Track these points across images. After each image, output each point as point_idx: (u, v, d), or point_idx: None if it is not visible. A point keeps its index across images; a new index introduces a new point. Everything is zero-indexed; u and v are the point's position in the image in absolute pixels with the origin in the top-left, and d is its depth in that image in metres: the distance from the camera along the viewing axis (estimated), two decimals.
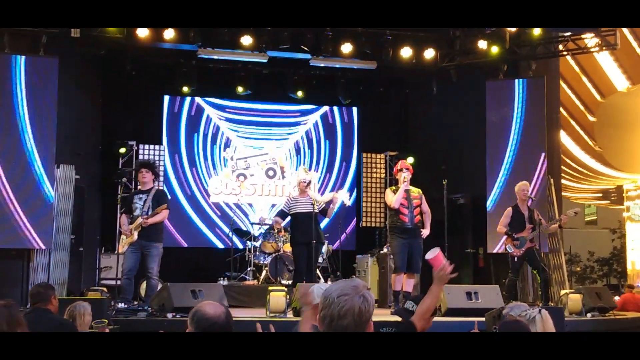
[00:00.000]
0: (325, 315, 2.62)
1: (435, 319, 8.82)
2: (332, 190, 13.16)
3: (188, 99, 14.03)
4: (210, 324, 3.11)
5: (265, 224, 12.57)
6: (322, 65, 13.03)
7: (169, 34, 11.43)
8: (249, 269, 12.41)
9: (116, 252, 8.97)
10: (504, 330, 4.27)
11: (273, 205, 14.03)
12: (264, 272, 12.00)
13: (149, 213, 8.88)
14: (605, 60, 12.55)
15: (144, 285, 9.79)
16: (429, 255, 3.98)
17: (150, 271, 8.92)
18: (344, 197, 10.25)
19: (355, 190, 14.70)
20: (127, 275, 8.89)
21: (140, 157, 13.34)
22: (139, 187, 9.30)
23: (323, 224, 11.31)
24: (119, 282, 10.20)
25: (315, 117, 14.73)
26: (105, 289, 9.18)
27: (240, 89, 13.71)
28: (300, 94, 13.99)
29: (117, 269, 9.46)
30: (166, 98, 14.01)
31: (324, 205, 9.93)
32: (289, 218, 10.14)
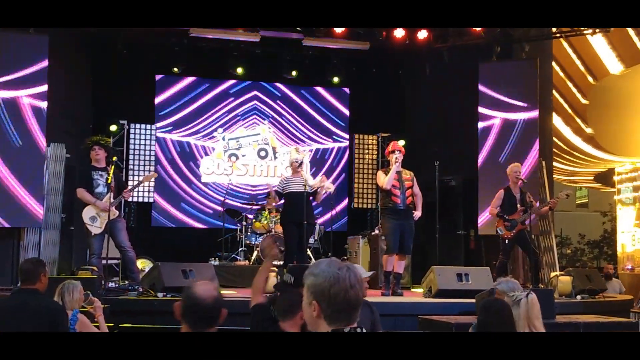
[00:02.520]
0: (339, 289, 2.61)
1: (426, 300, 8.93)
2: (322, 173, 13.13)
3: (180, 77, 13.94)
4: (194, 304, 3.12)
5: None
6: (314, 45, 12.97)
7: None
8: (240, 249, 12.42)
9: (97, 233, 8.93)
10: (485, 307, 4.28)
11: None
12: (255, 253, 12.01)
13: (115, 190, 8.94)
14: (598, 43, 12.52)
15: None
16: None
17: (123, 246, 8.94)
18: (328, 185, 10.21)
19: (347, 172, 14.71)
20: (98, 254, 8.98)
21: (132, 136, 13.31)
22: (92, 163, 9.15)
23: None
24: (109, 261, 10.22)
25: (307, 97, 14.69)
26: (95, 268, 9.14)
27: (240, 71, 13.65)
28: (292, 74, 13.93)
29: (107, 248, 9.44)
30: (158, 77, 13.93)
31: (315, 188, 9.93)
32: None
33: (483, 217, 11.35)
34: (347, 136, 14.77)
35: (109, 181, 8.88)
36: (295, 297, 4.25)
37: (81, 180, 9.26)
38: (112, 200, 8.81)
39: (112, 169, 9.04)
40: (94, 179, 8.98)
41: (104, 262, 10.13)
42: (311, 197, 9.87)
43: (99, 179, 8.96)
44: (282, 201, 10.19)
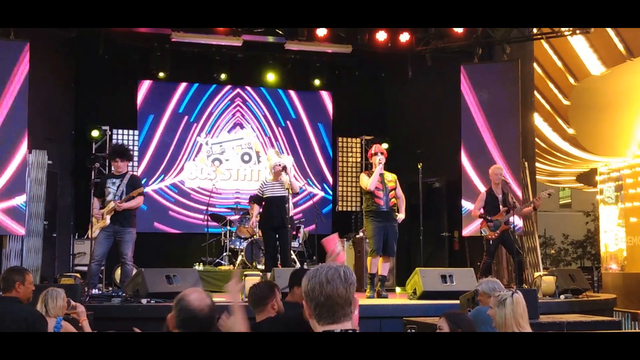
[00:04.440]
0: (315, 283, 2.67)
1: (411, 302, 8.95)
2: (307, 176, 13.19)
3: (162, 82, 13.88)
4: (191, 316, 3.08)
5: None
6: (297, 49, 12.98)
7: None
8: (224, 253, 12.39)
9: (86, 237, 8.93)
10: (455, 323, 4.35)
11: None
12: (239, 257, 11.99)
13: (122, 198, 8.87)
14: (579, 44, 12.59)
15: (118, 271, 9.74)
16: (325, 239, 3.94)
17: (124, 257, 8.91)
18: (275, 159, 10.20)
19: (331, 175, 14.71)
20: (98, 260, 8.90)
21: (114, 141, 13.22)
22: (112, 171, 9.24)
23: (299, 209, 11.30)
24: None
25: (290, 100, 14.67)
26: (79, 274, 9.10)
27: (223, 76, 13.65)
28: (275, 78, 13.94)
29: (90, 254, 9.40)
30: (140, 82, 13.86)
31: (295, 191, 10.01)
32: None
33: (471, 227, 11.32)
34: (330, 138, 14.77)
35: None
36: (265, 289, 4.29)
37: (96, 189, 9.43)
38: (109, 208, 8.80)
39: (128, 176, 9.11)
40: (107, 187, 9.06)
41: (86, 268, 10.09)
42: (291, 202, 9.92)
43: (111, 187, 9.02)
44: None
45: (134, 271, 8.90)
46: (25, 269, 5.59)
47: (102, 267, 10.23)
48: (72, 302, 5.95)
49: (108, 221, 8.82)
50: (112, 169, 9.35)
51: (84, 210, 12.42)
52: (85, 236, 8.98)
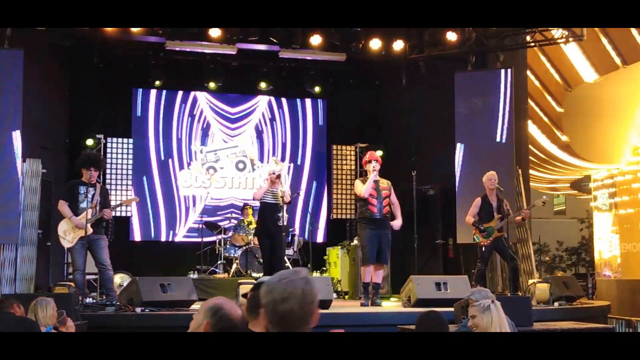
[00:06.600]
0: (269, 301, 2.56)
1: (406, 309, 8.95)
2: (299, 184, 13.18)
3: (157, 91, 13.88)
4: (231, 325, 3.10)
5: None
6: (291, 57, 13.00)
7: None
8: (219, 262, 12.38)
9: (71, 249, 8.95)
10: (422, 322, 4.41)
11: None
12: (234, 265, 11.99)
13: (98, 208, 8.89)
14: (572, 52, 12.65)
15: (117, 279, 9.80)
16: None
17: (104, 263, 8.89)
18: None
19: (326, 182, 14.72)
20: (82, 270, 8.90)
21: (109, 151, 13.21)
22: (83, 178, 9.13)
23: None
24: (87, 276, 10.14)
25: (285, 108, 14.69)
26: (72, 284, 9.07)
27: (212, 85, 13.66)
28: (269, 86, 13.96)
29: (85, 264, 9.37)
30: (134, 90, 13.86)
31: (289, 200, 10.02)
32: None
33: (465, 230, 11.31)
34: (325, 146, 14.79)
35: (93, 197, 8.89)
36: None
37: (66, 193, 9.22)
38: (89, 217, 8.74)
39: (99, 187, 9.05)
40: (80, 193, 8.94)
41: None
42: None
43: (88, 195, 8.91)
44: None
45: (113, 274, 9.06)
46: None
47: (96, 276, 10.23)
48: (65, 316, 5.95)
49: (91, 229, 8.79)
50: (84, 176, 9.05)
51: None
52: (65, 247, 9.02)
